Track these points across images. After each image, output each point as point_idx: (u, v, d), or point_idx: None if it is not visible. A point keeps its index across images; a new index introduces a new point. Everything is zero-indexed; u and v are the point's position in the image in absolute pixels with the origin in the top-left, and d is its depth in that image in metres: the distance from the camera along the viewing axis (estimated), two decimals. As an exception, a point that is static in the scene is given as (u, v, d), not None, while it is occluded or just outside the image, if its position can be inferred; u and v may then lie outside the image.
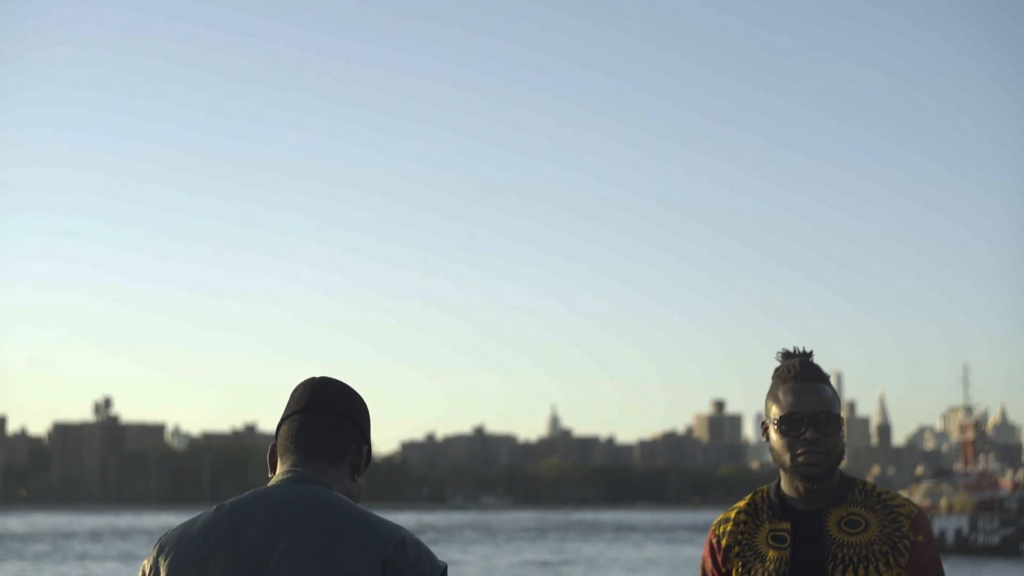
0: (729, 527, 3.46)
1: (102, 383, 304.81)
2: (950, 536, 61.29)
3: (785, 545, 3.37)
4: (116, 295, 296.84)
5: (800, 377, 3.44)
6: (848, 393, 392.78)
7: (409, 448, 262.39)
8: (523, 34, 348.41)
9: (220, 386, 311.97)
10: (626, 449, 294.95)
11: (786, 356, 3.51)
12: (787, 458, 3.37)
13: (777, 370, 3.48)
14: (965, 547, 60.47)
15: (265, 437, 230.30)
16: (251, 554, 2.48)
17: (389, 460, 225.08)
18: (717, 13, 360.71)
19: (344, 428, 2.76)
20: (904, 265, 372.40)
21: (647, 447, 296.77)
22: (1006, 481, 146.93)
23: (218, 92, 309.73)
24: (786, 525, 3.39)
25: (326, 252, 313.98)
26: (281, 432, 2.76)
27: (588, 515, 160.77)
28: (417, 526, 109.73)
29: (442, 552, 63.26)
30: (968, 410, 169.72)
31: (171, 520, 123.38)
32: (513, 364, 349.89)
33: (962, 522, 61.78)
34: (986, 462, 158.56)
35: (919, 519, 3.38)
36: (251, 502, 2.57)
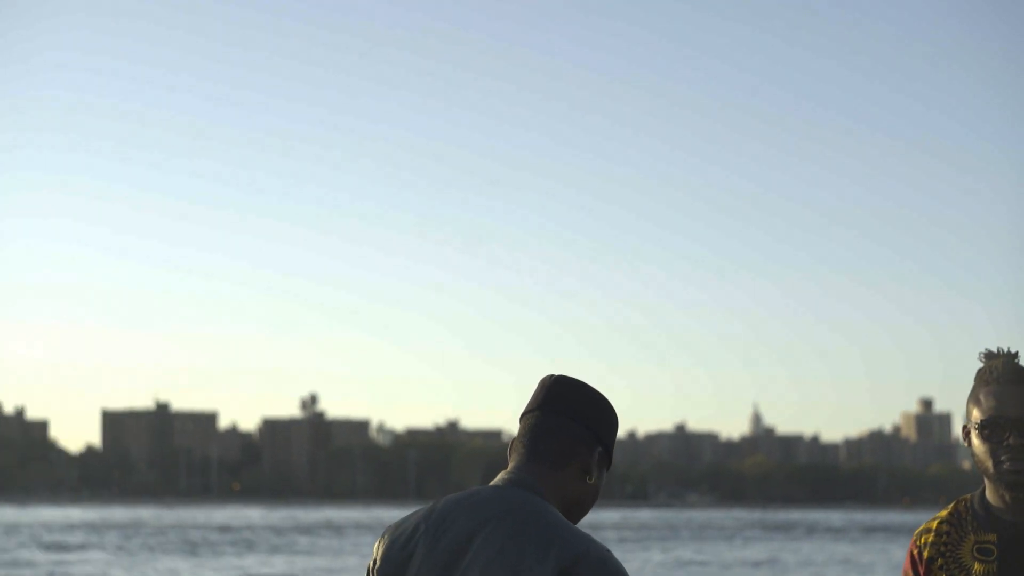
0: (931, 538, 3.26)
1: (308, 380, 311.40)
2: None
3: (992, 558, 3.15)
4: (323, 295, 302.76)
5: (1004, 379, 3.21)
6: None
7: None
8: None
9: (424, 382, 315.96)
10: (831, 448, 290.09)
11: (989, 357, 3.28)
12: (990, 465, 3.16)
13: (980, 371, 3.26)
14: None
15: (467, 434, 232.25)
16: (447, 550, 2.53)
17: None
18: None
19: (572, 430, 2.68)
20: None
21: (853, 446, 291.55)
22: None
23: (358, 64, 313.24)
24: (992, 537, 3.17)
25: (544, 252, 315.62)
26: (518, 429, 2.78)
27: (795, 514, 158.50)
28: (623, 523, 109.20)
29: (645, 551, 62.70)
30: None
31: (378, 515, 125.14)
32: (715, 361, 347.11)
33: None
34: None
35: None
36: (460, 500, 2.61)
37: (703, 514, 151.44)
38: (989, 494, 3.21)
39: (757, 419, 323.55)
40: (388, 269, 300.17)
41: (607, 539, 73.37)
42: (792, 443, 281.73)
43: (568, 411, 2.69)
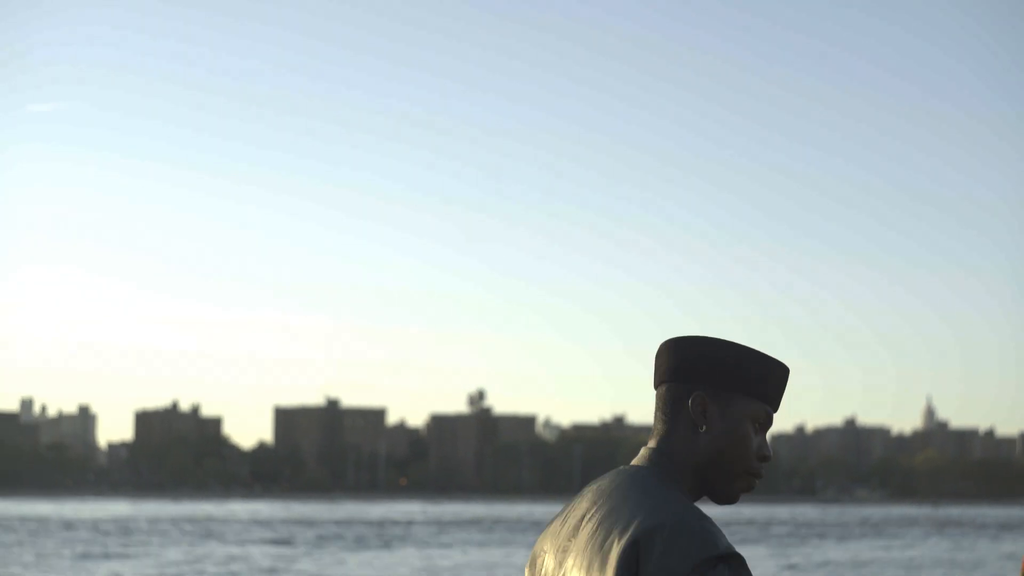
0: None
1: (476, 376, 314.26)
2: None
3: None
4: (490, 291, 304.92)
5: None
6: None
7: (779, 440, 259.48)
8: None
9: (591, 377, 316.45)
10: (1007, 442, 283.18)
11: None
12: None
13: None
14: None
15: (633, 428, 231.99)
16: (565, 534, 2.53)
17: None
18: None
19: (671, 389, 2.62)
20: None
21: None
22: None
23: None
24: None
25: (705, 245, 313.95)
26: None
27: (968, 510, 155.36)
28: (789, 519, 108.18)
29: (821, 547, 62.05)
30: None
31: (543, 510, 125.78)
32: (887, 354, 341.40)
33: None
34: None
35: None
36: (589, 485, 2.62)
37: (868, 510, 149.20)
38: None
39: (930, 413, 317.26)
40: (555, 265, 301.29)
41: (748, 536, 72.92)
42: (966, 437, 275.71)
43: (667, 373, 2.64)
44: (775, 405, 2.63)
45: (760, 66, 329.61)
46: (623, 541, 2.41)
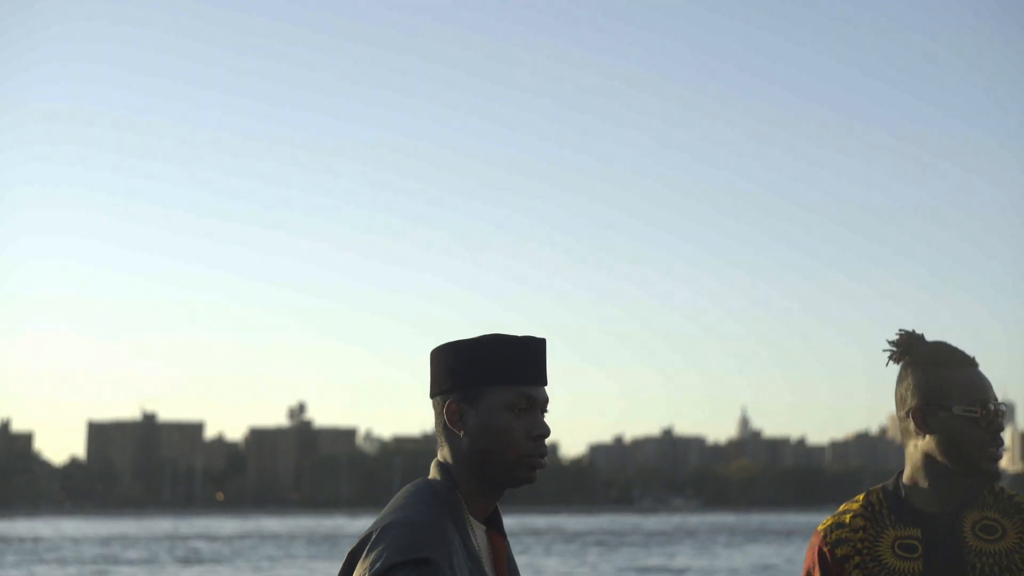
0: (844, 534, 2.98)
1: (296, 389, 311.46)
2: None
3: (916, 555, 2.89)
4: (309, 303, 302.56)
5: (972, 363, 3.00)
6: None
7: (596, 450, 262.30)
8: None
9: (411, 389, 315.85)
10: (817, 450, 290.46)
11: (914, 338, 3.10)
12: (975, 452, 2.90)
13: (930, 353, 3.02)
14: None
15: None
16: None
17: (577, 463, 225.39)
18: None
19: (435, 404, 2.69)
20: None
21: (839, 448, 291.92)
22: None
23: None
24: (915, 532, 2.91)
25: (531, 253, 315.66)
26: None
27: (776, 517, 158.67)
28: (608, 528, 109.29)
29: (637, 556, 62.79)
30: None
31: (362, 524, 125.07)
32: (702, 364, 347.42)
33: None
34: None
35: None
36: None
37: (683, 518, 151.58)
38: (914, 483, 2.98)
39: (744, 422, 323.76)
40: (372, 276, 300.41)
41: (554, 545, 73.57)
42: (778, 446, 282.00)
43: (429, 388, 2.71)
44: (532, 381, 2.61)
45: (623, 71, 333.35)
46: (354, 544, 2.50)
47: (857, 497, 3.08)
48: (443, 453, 2.65)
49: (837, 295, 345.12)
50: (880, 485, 3.04)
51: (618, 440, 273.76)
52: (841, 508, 3.08)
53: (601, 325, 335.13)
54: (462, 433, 2.61)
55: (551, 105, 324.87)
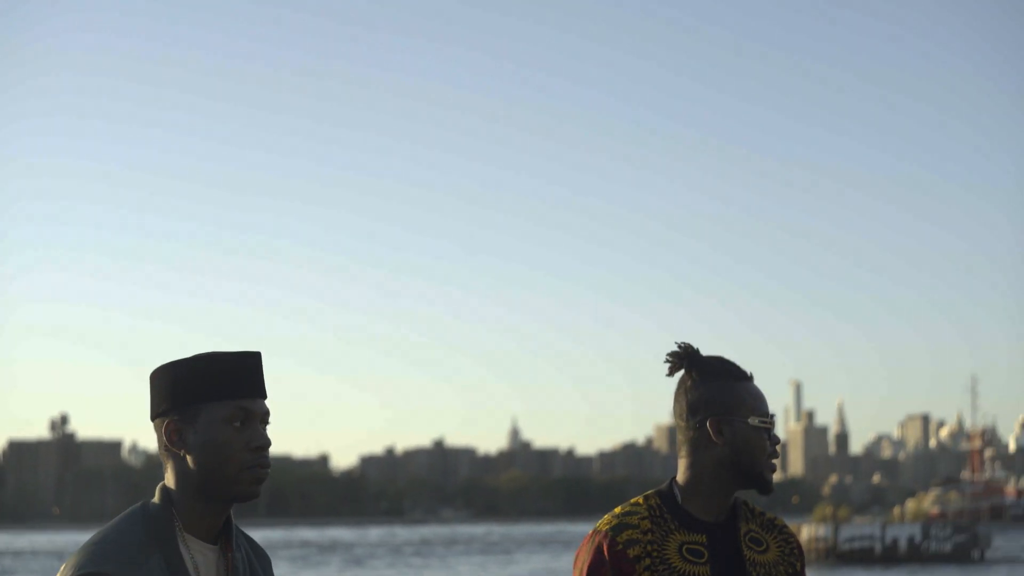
0: (635, 534, 2.96)
1: (59, 400, 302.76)
2: (903, 544, 61.52)
3: (703, 560, 2.94)
4: (71, 312, 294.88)
5: (751, 377, 3.12)
6: (807, 402, 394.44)
7: (368, 462, 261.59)
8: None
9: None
10: (586, 461, 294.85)
11: (691, 351, 3.13)
12: (764, 462, 3.02)
13: (715, 372, 3.08)
14: (917, 555, 60.78)
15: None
16: None
17: (348, 475, 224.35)
18: (708, 25, 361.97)
19: (154, 427, 2.71)
20: (869, 269, 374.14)
21: (607, 458, 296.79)
22: (1011, 489, 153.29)
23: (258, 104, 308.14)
24: (701, 538, 2.97)
25: (282, 265, 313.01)
26: None
27: (548, 527, 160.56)
28: (377, 540, 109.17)
29: (399, 567, 62.90)
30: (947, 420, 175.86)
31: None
32: (473, 376, 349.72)
33: (915, 530, 61.99)
34: (992, 470, 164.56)
35: (800, 545, 3.11)
36: None
37: (450, 529, 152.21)
38: (690, 492, 3.02)
39: (515, 433, 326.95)
40: (135, 287, 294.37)
41: (312, 557, 73.24)
42: (548, 456, 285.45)
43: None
44: (249, 394, 2.63)
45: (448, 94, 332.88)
46: None
47: (635, 500, 3.05)
48: (167, 475, 2.64)
49: (599, 310, 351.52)
50: (655, 491, 3.04)
51: (389, 451, 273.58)
52: (620, 510, 3.03)
53: (372, 338, 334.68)
54: (183, 452, 2.61)
55: (287, 118, 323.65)
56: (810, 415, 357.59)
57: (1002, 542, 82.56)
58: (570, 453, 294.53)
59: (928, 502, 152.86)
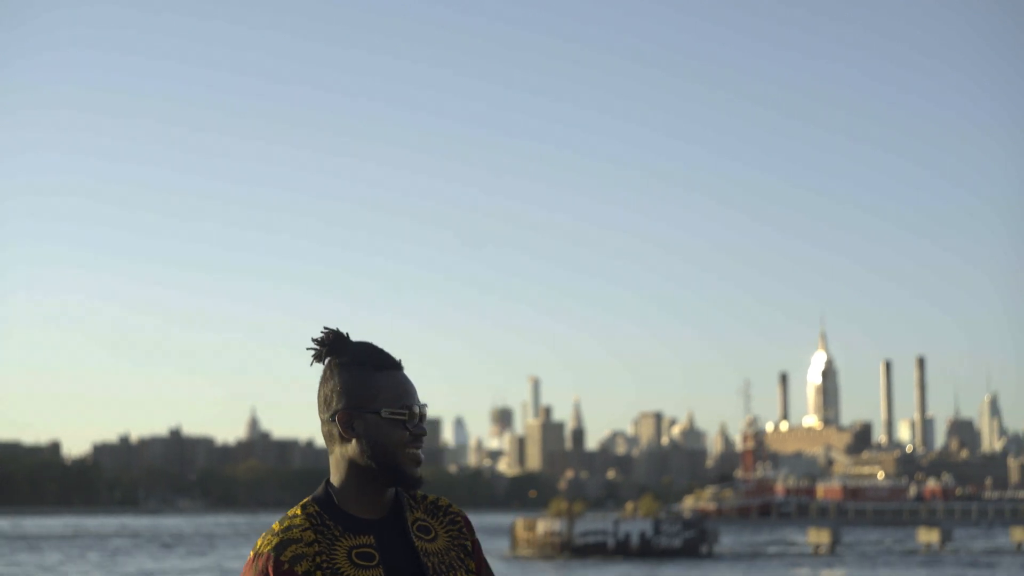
0: (300, 548, 2.80)
1: None
2: (635, 539, 63.29)
3: (375, 563, 2.85)
4: None
5: (400, 366, 2.99)
6: (545, 398, 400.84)
7: (101, 450, 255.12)
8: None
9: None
10: (324, 452, 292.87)
11: (340, 338, 2.98)
12: (400, 454, 2.90)
13: (360, 360, 2.94)
14: (648, 549, 62.65)
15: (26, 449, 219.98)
16: None
17: (80, 462, 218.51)
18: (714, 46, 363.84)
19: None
20: (597, 268, 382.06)
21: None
22: (779, 486, 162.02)
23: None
24: (369, 539, 2.86)
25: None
26: None
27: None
28: (106, 531, 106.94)
29: (134, 558, 61.98)
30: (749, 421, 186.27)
31: None
32: (212, 365, 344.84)
33: (646, 525, 63.89)
34: (764, 469, 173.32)
35: (467, 519, 3.04)
36: None
37: (182, 520, 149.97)
38: (345, 491, 2.91)
39: (254, 424, 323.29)
40: None
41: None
42: (287, 447, 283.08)
43: None
44: None
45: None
46: None
47: (293, 511, 2.89)
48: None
49: (340, 293, 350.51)
50: (311, 497, 2.91)
51: (124, 440, 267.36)
52: (279, 526, 2.87)
53: (112, 323, 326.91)
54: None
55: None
56: (547, 411, 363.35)
57: (729, 538, 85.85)
58: (310, 444, 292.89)
59: (705, 498, 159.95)
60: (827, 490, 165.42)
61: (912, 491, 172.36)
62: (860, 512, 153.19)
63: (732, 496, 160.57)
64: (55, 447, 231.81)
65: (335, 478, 2.91)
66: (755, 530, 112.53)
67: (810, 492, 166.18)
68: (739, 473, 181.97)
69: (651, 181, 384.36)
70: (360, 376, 2.91)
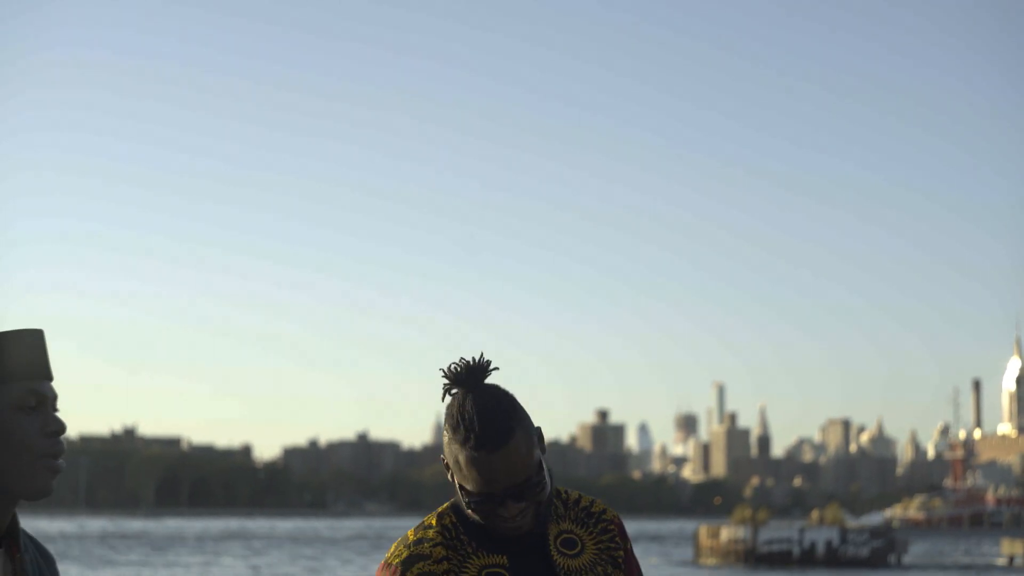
0: (428, 566, 2.57)
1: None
2: (820, 548, 62.33)
3: None
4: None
5: (487, 447, 2.54)
6: (730, 405, 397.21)
7: (292, 454, 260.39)
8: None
9: (100, 388, 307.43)
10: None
11: (456, 377, 2.65)
12: (490, 522, 2.59)
13: (453, 427, 2.57)
14: (835, 559, 61.60)
15: (143, 441, 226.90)
16: None
17: (271, 466, 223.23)
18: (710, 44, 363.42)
19: None
20: (783, 275, 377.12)
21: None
22: (990, 496, 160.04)
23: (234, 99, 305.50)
24: (502, 560, 2.59)
25: (193, 254, 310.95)
26: None
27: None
28: (296, 532, 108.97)
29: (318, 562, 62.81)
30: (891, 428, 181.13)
31: (46, 525, 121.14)
32: (398, 369, 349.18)
33: (833, 534, 62.83)
34: (974, 479, 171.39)
35: (622, 524, 2.77)
36: None
37: (377, 522, 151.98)
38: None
39: (439, 428, 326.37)
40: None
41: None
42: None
43: None
44: (35, 376, 2.37)
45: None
46: None
47: (429, 519, 2.65)
48: None
49: (519, 305, 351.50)
50: (449, 504, 2.67)
51: (313, 443, 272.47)
52: (413, 535, 2.64)
53: (295, 327, 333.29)
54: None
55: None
56: (733, 417, 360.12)
57: (921, 548, 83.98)
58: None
59: (914, 508, 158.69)
60: None
61: None
62: None
63: (942, 506, 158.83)
64: (247, 451, 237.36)
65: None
66: (952, 541, 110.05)
67: (1022, 502, 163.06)
68: (948, 482, 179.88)
69: (830, 189, 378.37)
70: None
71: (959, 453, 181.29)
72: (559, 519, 2.70)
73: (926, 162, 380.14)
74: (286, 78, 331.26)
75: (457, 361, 2.67)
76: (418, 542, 2.61)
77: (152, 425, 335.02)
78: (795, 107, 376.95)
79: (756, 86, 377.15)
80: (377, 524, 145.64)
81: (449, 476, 2.61)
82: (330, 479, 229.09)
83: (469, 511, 2.58)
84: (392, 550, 2.63)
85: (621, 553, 2.74)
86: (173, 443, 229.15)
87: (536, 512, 2.57)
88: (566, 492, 2.76)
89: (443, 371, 2.66)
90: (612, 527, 2.75)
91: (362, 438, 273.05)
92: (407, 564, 2.59)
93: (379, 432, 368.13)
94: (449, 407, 2.62)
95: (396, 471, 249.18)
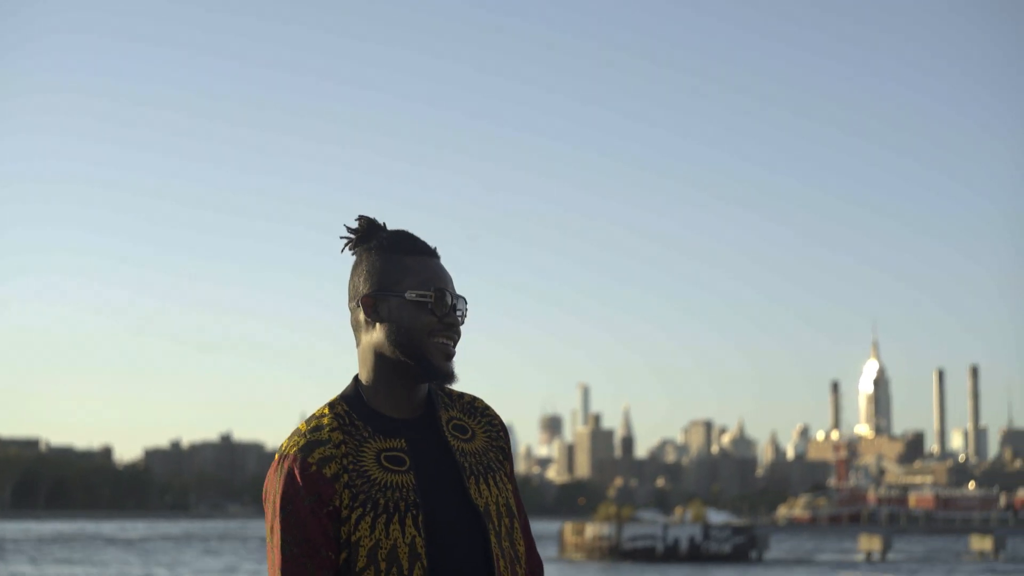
0: (328, 450, 2.53)
1: None
2: (684, 544, 63.11)
3: (406, 467, 2.57)
4: None
5: (436, 254, 2.70)
6: (595, 406, 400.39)
7: (153, 456, 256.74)
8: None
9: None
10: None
11: (374, 226, 2.68)
12: (425, 343, 2.61)
13: (389, 240, 2.66)
14: (697, 554, 62.45)
15: (0, 442, 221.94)
16: None
17: (132, 467, 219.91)
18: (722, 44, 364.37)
19: None
20: (647, 277, 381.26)
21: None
22: (871, 495, 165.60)
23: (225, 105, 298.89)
24: (399, 443, 2.58)
25: (47, 256, 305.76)
26: None
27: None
28: (154, 535, 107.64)
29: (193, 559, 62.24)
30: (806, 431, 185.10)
31: None
32: (262, 370, 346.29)
33: (696, 530, 63.66)
34: (856, 479, 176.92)
35: (502, 422, 2.78)
36: None
37: (237, 524, 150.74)
38: (374, 387, 2.63)
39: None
40: None
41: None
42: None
43: None
44: None
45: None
46: None
47: (321, 410, 2.62)
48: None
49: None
50: (339, 394, 2.65)
51: (175, 445, 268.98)
52: (305, 426, 2.59)
53: (162, 328, 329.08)
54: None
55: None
56: (597, 418, 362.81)
57: (780, 544, 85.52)
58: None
59: (799, 507, 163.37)
60: (919, 499, 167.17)
61: (1003, 501, 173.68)
62: (948, 521, 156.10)
63: (826, 505, 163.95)
64: (107, 452, 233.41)
65: (363, 374, 2.65)
66: (817, 538, 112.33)
67: (902, 501, 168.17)
68: (832, 482, 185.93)
69: (690, 189, 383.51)
70: (390, 260, 2.64)
71: (842, 454, 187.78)
72: (447, 407, 2.70)
73: (785, 161, 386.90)
74: (241, 89, 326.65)
75: (358, 218, 2.68)
76: (315, 429, 2.57)
77: (9, 426, 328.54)
78: (669, 99, 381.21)
79: (616, 71, 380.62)
80: (234, 525, 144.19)
81: (361, 317, 2.64)
82: (192, 481, 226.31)
83: (413, 311, 2.60)
84: (287, 442, 2.57)
85: (505, 447, 2.73)
86: (31, 444, 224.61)
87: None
88: (447, 387, 2.74)
89: (350, 228, 2.68)
90: (496, 421, 2.75)
91: (225, 439, 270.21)
92: (306, 450, 2.53)
93: (243, 433, 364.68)
94: (368, 246, 2.67)
95: (260, 472, 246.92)
